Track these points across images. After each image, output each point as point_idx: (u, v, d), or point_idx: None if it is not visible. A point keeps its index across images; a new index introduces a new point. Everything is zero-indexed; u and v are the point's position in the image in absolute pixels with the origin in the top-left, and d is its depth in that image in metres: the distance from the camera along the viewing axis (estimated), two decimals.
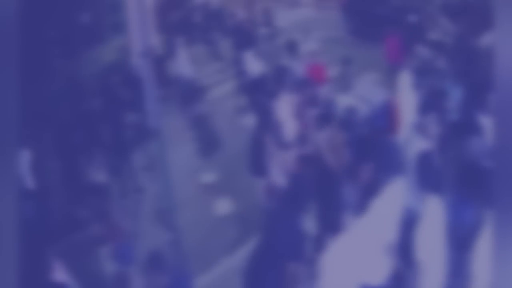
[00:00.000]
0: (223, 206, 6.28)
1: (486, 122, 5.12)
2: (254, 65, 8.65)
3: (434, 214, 3.78)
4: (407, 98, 5.93)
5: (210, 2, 13.70)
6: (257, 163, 5.59)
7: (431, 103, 5.70)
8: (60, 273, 3.84)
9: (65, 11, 8.38)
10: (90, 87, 7.43)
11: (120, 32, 9.26)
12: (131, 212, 5.85)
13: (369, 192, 4.14)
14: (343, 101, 6.37)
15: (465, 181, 4.00)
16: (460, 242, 3.87)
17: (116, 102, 6.91)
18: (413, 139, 4.98)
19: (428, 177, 3.99)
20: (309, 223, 4.54)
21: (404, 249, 3.77)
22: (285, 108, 6.15)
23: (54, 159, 5.54)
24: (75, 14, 8.90)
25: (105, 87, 7.38)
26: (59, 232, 4.34)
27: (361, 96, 6.56)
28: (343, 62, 7.90)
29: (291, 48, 8.07)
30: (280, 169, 5.27)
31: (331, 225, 4.59)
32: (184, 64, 9.00)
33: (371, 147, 4.94)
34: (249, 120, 6.67)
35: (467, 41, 8.20)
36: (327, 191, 4.81)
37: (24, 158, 5.23)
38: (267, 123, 5.78)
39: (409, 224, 3.83)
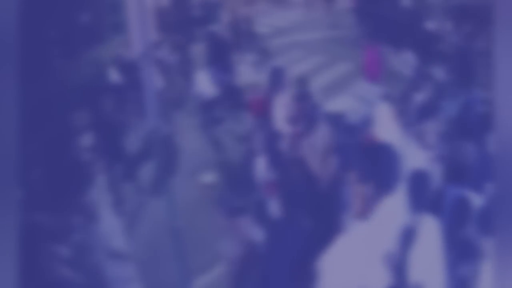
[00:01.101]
0: None
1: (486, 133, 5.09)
2: (206, 86, 7.89)
3: (430, 234, 3.73)
4: (387, 130, 5.36)
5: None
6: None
7: (429, 111, 5.60)
8: None
9: (65, 11, 8.39)
10: (86, 91, 7.35)
11: (120, 32, 9.27)
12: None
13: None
14: (331, 106, 6.24)
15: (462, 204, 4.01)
16: (459, 268, 3.85)
17: (114, 104, 6.86)
18: (410, 148, 4.91)
19: (423, 197, 3.91)
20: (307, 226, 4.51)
21: (399, 266, 3.74)
22: (280, 112, 6.12)
23: (42, 168, 5.42)
24: (75, 14, 8.91)
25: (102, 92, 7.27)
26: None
27: (360, 96, 6.56)
28: (299, 81, 6.49)
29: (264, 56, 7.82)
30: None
31: (327, 228, 4.55)
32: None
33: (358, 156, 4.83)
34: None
35: (468, 47, 8.16)
36: (317, 198, 4.74)
37: None
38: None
39: (404, 241, 3.78)
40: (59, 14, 8.04)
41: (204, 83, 7.93)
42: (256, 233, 4.46)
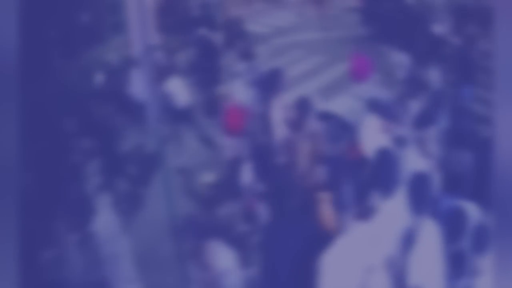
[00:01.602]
0: None
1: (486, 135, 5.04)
2: (180, 94, 7.36)
3: (430, 237, 3.71)
4: (374, 143, 5.14)
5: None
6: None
7: (428, 118, 5.53)
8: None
9: (65, 11, 8.38)
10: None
11: (120, 32, 9.27)
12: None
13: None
14: (328, 106, 6.11)
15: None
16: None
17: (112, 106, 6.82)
18: (409, 155, 4.85)
19: (424, 200, 3.88)
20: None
21: (399, 269, 3.73)
22: (277, 114, 6.08)
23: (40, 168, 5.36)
24: (75, 14, 8.91)
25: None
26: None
27: (360, 96, 6.54)
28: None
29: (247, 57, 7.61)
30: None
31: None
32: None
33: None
34: None
35: (469, 49, 8.09)
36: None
37: None
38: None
39: (404, 244, 3.77)
40: (59, 14, 8.03)
41: (177, 90, 7.51)
42: (226, 259, 4.04)
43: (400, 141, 5.07)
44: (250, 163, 5.15)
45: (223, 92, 6.98)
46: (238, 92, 6.81)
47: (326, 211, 4.22)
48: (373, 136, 5.21)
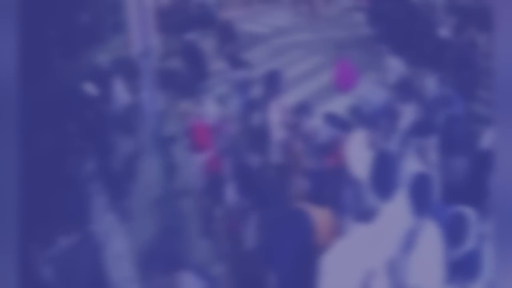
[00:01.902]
0: None
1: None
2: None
3: (431, 239, 3.69)
4: (358, 159, 4.93)
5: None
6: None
7: (426, 126, 5.46)
8: None
9: (65, 11, 8.39)
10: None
11: (120, 32, 9.26)
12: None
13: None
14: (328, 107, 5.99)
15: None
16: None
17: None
18: (409, 159, 4.80)
19: (426, 201, 3.87)
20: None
21: (399, 270, 3.73)
22: (275, 117, 6.04)
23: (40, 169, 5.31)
24: (75, 14, 8.92)
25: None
26: None
27: (361, 96, 6.52)
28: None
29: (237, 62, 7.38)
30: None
31: None
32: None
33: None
34: None
35: (468, 52, 8.04)
36: None
37: None
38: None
39: (405, 245, 3.76)
40: (59, 14, 8.04)
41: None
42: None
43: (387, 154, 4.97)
44: (233, 181, 5.01)
45: (186, 108, 6.43)
46: (209, 106, 6.39)
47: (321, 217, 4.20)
48: (358, 149, 5.13)
